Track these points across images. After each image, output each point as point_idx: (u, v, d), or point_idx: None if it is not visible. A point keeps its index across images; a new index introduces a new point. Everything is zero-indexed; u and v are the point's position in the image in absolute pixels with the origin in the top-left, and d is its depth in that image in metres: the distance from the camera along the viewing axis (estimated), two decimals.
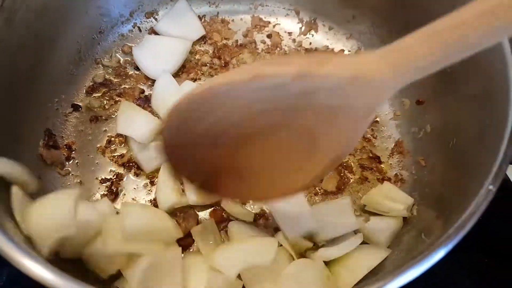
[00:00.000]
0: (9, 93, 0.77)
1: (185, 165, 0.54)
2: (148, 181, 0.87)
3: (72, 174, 0.87)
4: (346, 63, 0.43)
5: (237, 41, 1.07)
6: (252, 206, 0.86)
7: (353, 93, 0.42)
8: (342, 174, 0.90)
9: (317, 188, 0.88)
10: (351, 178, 0.90)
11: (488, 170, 0.59)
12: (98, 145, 0.90)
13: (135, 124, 0.88)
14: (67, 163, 0.88)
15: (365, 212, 0.86)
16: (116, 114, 0.93)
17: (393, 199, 0.82)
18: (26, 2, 0.78)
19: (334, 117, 0.44)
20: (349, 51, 1.07)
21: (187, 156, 0.52)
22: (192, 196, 0.81)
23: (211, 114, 0.45)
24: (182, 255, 0.73)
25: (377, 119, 0.97)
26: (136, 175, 0.88)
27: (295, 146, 0.47)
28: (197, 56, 1.03)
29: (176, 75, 0.99)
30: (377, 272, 0.72)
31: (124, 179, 0.87)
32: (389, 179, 0.90)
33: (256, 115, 0.44)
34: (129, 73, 0.99)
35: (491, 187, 0.57)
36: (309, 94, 0.41)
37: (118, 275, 0.70)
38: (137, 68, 1.00)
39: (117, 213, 0.76)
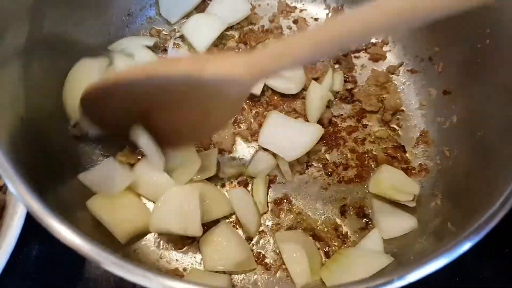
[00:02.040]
0: (43, 69, 0.79)
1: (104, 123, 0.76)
2: None
3: (101, 153, 0.89)
4: (220, 67, 0.58)
5: (263, 26, 1.07)
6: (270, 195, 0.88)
7: (225, 86, 0.60)
8: (366, 163, 0.90)
9: (340, 176, 0.89)
10: (375, 168, 0.90)
11: None
12: None
13: None
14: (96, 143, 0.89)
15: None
16: None
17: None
18: None
19: (216, 98, 0.63)
20: (376, 39, 1.06)
21: (106, 117, 0.74)
22: None
23: (120, 95, 0.66)
24: None
25: (403, 108, 0.97)
26: None
27: (192, 114, 0.68)
28: (223, 41, 1.04)
29: None
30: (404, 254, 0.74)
31: None
32: (413, 169, 0.90)
33: (157, 95, 0.64)
34: (157, 55, 1.00)
35: None
36: (194, 85, 0.60)
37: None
38: (164, 51, 1.01)
39: None
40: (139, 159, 0.85)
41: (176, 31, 1.05)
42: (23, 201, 0.55)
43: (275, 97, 0.98)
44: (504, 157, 0.67)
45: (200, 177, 0.84)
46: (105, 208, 0.76)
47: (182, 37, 1.03)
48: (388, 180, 0.85)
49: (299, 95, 0.98)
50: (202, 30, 1.00)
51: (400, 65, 1.02)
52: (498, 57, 0.77)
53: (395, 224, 0.82)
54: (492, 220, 0.55)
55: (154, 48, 1.00)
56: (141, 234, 0.80)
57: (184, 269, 0.79)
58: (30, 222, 0.67)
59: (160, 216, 0.76)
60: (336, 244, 0.82)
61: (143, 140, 0.75)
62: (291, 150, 0.87)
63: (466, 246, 0.55)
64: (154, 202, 0.82)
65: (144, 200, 0.84)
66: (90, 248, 0.54)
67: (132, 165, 0.84)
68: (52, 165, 0.76)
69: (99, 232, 0.75)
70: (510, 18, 0.74)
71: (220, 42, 1.03)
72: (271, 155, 0.89)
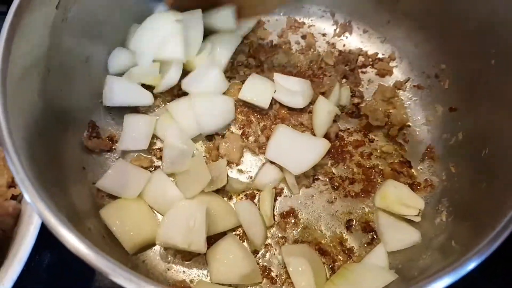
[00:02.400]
0: (59, 83, 0.82)
1: None
2: None
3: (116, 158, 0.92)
4: None
5: (272, 41, 1.09)
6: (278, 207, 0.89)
7: None
8: (372, 177, 0.92)
9: (347, 190, 0.90)
10: (381, 182, 0.91)
11: None
12: None
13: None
14: (108, 154, 0.92)
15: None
16: (155, 109, 0.97)
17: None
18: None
19: None
20: (382, 54, 1.08)
21: None
22: None
23: None
24: None
25: (409, 123, 0.98)
26: None
27: None
28: (233, 55, 1.06)
29: None
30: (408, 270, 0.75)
31: None
32: (418, 184, 0.91)
33: None
34: None
35: None
36: None
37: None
38: None
39: None
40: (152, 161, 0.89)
41: None
42: (37, 211, 0.57)
43: (283, 111, 0.99)
44: (509, 177, 0.68)
45: (212, 188, 0.86)
46: (116, 218, 0.79)
47: None
48: (394, 194, 0.86)
49: (306, 109, 0.99)
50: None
51: (407, 80, 1.04)
52: (503, 77, 0.78)
53: (399, 237, 0.83)
54: (496, 240, 0.56)
55: None
56: (149, 245, 0.82)
57: (191, 281, 0.80)
58: (43, 231, 0.69)
59: (166, 230, 0.77)
60: (341, 258, 0.83)
61: None
62: (298, 164, 0.89)
63: (470, 266, 0.56)
64: (162, 215, 0.84)
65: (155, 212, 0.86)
66: (98, 259, 0.56)
67: (145, 168, 0.89)
68: (66, 176, 0.78)
69: (109, 242, 0.77)
70: None
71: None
72: (278, 168, 0.90)
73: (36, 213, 0.59)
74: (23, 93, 0.70)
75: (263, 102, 0.98)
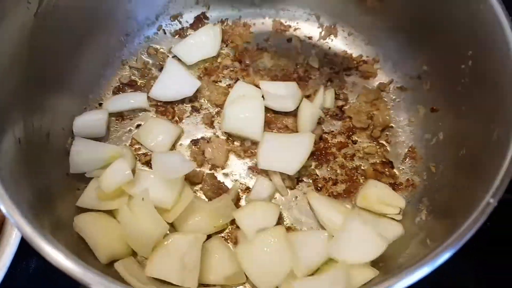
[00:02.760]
0: (40, 93, 0.83)
1: None
2: None
3: None
4: None
5: (257, 44, 1.10)
6: None
7: None
8: (354, 178, 0.93)
9: (330, 191, 0.92)
10: (363, 183, 0.92)
11: (490, 183, 0.61)
12: (123, 144, 0.96)
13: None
14: None
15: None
16: (140, 114, 0.99)
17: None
18: (59, 8, 0.84)
19: None
20: (367, 56, 1.09)
21: None
22: None
23: None
24: None
25: (392, 124, 1.00)
26: None
27: None
28: (219, 59, 1.07)
29: (198, 77, 1.04)
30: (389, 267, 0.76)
31: None
32: (400, 184, 0.92)
33: None
34: (154, 74, 1.04)
35: (491, 200, 0.59)
36: None
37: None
38: (161, 70, 1.04)
39: None
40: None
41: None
42: (15, 223, 0.57)
43: (268, 114, 1.00)
44: (480, 177, 0.69)
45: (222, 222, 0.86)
46: (88, 228, 0.78)
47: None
48: (375, 194, 0.87)
49: (291, 112, 1.00)
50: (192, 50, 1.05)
51: (390, 82, 1.05)
52: (478, 78, 0.80)
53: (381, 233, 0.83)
54: (462, 238, 0.58)
55: (141, 77, 1.04)
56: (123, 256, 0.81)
57: None
58: None
59: (158, 266, 0.76)
60: None
61: None
62: (291, 163, 0.90)
63: (441, 260, 0.58)
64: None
65: None
66: (77, 269, 0.58)
67: None
68: (49, 182, 0.79)
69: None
70: (491, 42, 0.76)
71: (215, 60, 1.07)
72: (267, 179, 0.92)
73: (14, 225, 0.60)
74: (4, 102, 0.71)
75: None
